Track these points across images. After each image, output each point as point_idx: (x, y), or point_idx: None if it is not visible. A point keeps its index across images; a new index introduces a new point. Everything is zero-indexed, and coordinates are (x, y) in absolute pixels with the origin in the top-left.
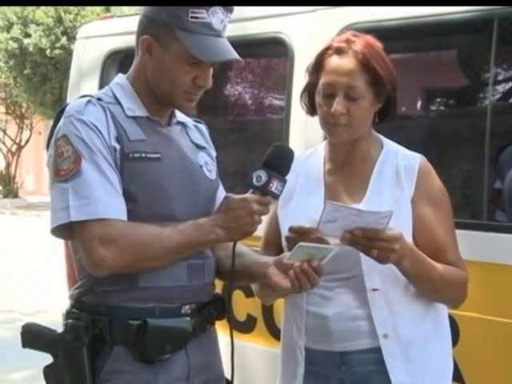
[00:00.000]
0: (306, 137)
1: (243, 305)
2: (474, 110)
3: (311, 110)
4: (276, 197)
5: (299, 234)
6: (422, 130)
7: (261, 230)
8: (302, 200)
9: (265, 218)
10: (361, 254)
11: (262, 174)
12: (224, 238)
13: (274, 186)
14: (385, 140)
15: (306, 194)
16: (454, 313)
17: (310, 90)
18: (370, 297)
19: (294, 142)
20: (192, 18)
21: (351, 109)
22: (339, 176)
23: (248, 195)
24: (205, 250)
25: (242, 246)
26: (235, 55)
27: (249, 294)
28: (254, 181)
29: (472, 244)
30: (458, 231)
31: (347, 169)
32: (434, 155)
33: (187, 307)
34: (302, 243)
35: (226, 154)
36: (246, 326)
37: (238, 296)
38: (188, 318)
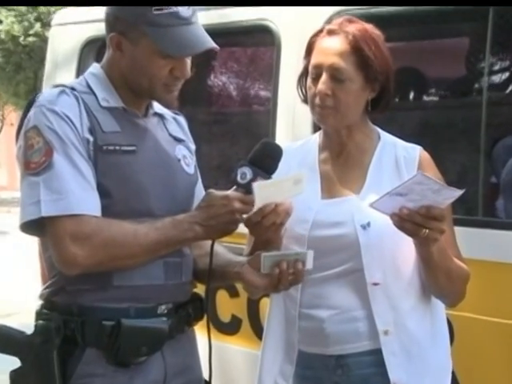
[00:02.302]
0: (294, 129)
1: (227, 305)
2: (469, 101)
3: (306, 97)
4: None
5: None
6: (413, 121)
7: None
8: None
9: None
10: (361, 245)
11: (247, 172)
12: (202, 235)
13: None
14: (381, 132)
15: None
16: (448, 313)
17: (306, 76)
18: (371, 291)
19: (281, 134)
20: (156, 10)
21: (337, 91)
22: (335, 166)
23: (230, 192)
24: (182, 248)
25: (216, 246)
26: (209, 44)
27: (233, 294)
28: (239, 178)
29: (467, 241)
30: None
31: (343, 159)
32: (427, 148)
33: (164, 307)
34: (265, 254)
35: (209, 147)
36: (230, 328)
37: (221, 296)
38: (164, 319)
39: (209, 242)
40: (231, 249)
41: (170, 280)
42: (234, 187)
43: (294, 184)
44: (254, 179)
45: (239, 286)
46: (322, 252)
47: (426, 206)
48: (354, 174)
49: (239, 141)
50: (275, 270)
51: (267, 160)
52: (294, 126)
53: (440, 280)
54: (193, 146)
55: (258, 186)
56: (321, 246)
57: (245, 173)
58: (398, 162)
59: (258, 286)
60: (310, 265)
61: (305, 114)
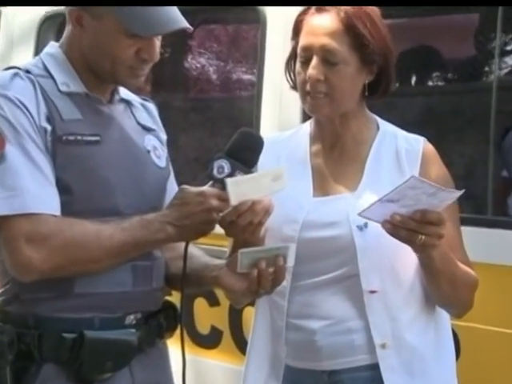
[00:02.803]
0: (281, 117)
1: (206, 315)
2: (478, 86)
3: (295, 83)
4: None
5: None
6: (416, 108)
7: None
8: (290, 186)
9: None
10: (357, 248)
11: (225, 165)
12: (175, 237)
13: None
14: (380, 121)
15: (291, 177)
16: (454, 324)
17: (294, 60)
18: (367, 300)
19: (267, 124)
20: None
21: (330, 76)
22: (328, 159)
23: (206, 188)
24: (153, 250)
25: (191, 247)
26: (181, 23)
27: (213, 302)
28: (215, 172)
29: (475, 243)
30: None
31: (338, 152)
32: (432, 139)
33: (132, 317)
34: (242, 250)
35: (186, 138)
36: (209, 341)
37: (200, 305)
38: (133, 330)
39: (182, 244)
40: (209, 251)
41: (139, 286)
42: (211, 183)
43: (274, 180)
44: (232, 173)
45: (220, 294)
46: (313, 256)
47: (421, 210)
48: (349, 169)
49: (220, 130)
50: (253, 270)
51: (246, 152)
52: (281, 113)
53: (443, 288)
54: (164, 136)
55: (232, 182)
56: (312, 248)
57: (222, 166)
58: (398, 154)
59: (236, 290)
60: (291, 261)
61: (293, 101)
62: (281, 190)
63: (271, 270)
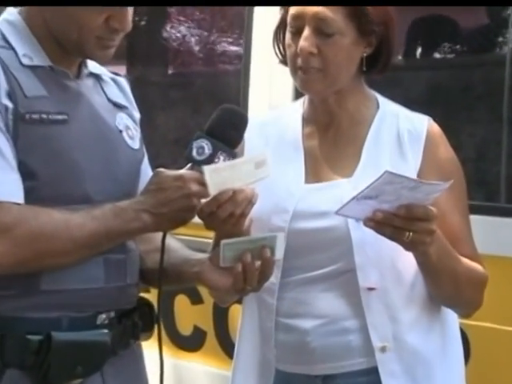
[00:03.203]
0: (271, 94)
1: (188, 314)
2: (491, 58)
3: (285, 56)
4: None
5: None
6: (421, 84)
7: None
8: (275, 169)
9: None
10: (353, 241)
11: (205, 145)
12: (152, 226)
13: (221, 161)
14: (380, 98)
15: (280, 162)
16: (462, 323)
17: (283, 30)
18: (365, 298)
19: (255, 101)
20: None
21: (324, 48)
22: (322, 142)
23: (185, 172)
24: (127, 242)
25: (168, 239)
26: None
27: (196, 300)
28: (195, 153)
29: (486, 233)
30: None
31: (332, 133)
32: (439, 117)
33: (104, 316)
34: (225, 241)
35: (165, 116)
36: (192, 342)
37: (181, 303)
38: (105, 331)
39: (159, 235)
40: (189, 243)
41: (112, 282)
42: (189, 165)
43: (257, 167)
44: (213, 154)
45: (203, 291)
46: (304, 249)
47: (406, 205)
48: (345, 152)
49: (202, 108)
50: (238, 264)
51: (229, 130)
52: (271, 90)
53: (445, 287)
54: (137, 115)
55: (211, 170)
56: (303, 241)
57: (202, 147)
58: (400, 136)
59: (220, 288)
60: (280, 253)
61: (285, 76)
62: (265, 177)
63: (258, 263)
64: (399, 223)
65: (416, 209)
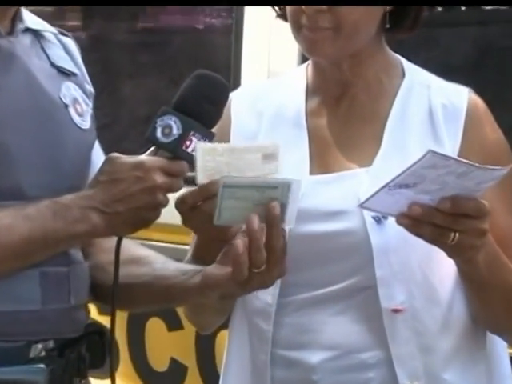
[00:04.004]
0: (271, 58)
1: (164, 344)
2: None
3: (283, 10)
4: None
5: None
6: (461, 45)
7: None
8: None
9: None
10: (374, 249)
11: (173, 123)
12: (103, 229)
13: (193, 144)
14: (407, 64)
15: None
16: None
17: None
18: (388, 323)
19: (250, 68)
20: None
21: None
22: (332, 120)
23: (147, 158)
24: (70, 251)
25: (141, 249)
26: None
27: (173, 325)
28: (159, 133)
29: None
30: None
31: (345, 108)
32: (483, 90)
33: (40, 347)
34: (226, 180)
35: (133, 86)
36: (168, 380)
37: (154, 329)
38: (41, 366)
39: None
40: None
41: (51, 303)
42: (153, 149)
43: (264, 159)
44: (184, 135)
45: (183, 315)
46: (309, 259)
47: (451, 197)
48: (362, 133)
49: (182, 77)
50: (238, 230)
51: (204, 104)
52: (271, 53)
53: (494, 306)
54: (89, 87)
55: (204, 148)
56: (308, 249)
57: (169, 125)
58: (433, 113)
59: (220, 282)
60: (291, 220)
61: (287, 38)
62: (270, 174)
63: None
64: (443, 221)
65: (465, 202)
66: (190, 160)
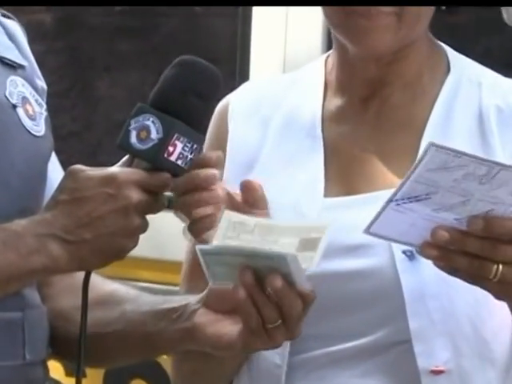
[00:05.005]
0: (287, 48)
1: None
2: None
3: None
4: (181, 175)
5: None
6: None
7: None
8: (277, 172)
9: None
10: (405, 292)
11: (152, 125)
12: (67, 262)
13: (178, 150)
14: (453, 55)
15: (286, 159)
16: None
17: None
18: None
19: (261, 60)
20: None
21: None
22: (357, 126)
23: (119, 169)
24: (25, 291)
25: (106, 283)
26: None
27: None
28: (134, 139)
29: None
30: None
31: (374, 112)
32: None
33: None
34: (201, 247)
35: (110, 83)
36: None
37: None
38: None
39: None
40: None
41: (1, 358)
42: (127, 158)
43: (301, 245)
44: (167, 140)
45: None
46: (326, 306)
47: (484, 215)
48: (394, 144)
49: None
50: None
51: (189, 98)
52: (286, 40)
53: None
54: (41, 83)
55: (230, 220)
56: (325, 293)
57: (146, 127)
58: (483, 117)
59: (226, 341)
60: (299, 278)
61: (308, 17)
62: (303, 269)
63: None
64: (478, 248)
65: (502, 222)
66: (174, 171)
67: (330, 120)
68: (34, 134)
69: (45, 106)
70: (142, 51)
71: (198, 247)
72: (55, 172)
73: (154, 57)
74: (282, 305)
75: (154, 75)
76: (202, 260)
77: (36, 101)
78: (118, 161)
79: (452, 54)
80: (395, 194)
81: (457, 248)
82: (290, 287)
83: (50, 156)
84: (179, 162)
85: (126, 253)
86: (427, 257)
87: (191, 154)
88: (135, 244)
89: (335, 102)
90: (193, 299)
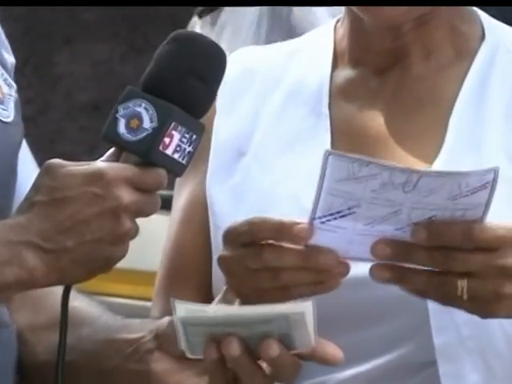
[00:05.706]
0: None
1: None
2: None
3: None
4: (179, 171)
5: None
6: None
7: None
8: (274, 158)
9: (169, 220)
10: (430, 308)
11: (144, 112)
12: (44, 274)
13: (175, 142)
14: (489, 20)
15: (287, 145)
16: None
17: None
18: None
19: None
20: None
21: None
22: (371, 101)
23: (106, 165)
24: None
25: (76, 301)
26: None
27: None
28: (123, 128)
29: None
30: None
31: (393, 86)
32: None
33: None
34: (180, 316)
35: (73, 57)
36: None
37: None
38: None
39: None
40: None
41: None
42: (113, 150)
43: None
44: (162, 129)
45: None
46: (339, 319)
47: (427, 223)
48: (416, 123)
49: (152, 43)
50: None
51: (187, 80)
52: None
53: None
54: (9, 57)
55: (184, 319)
56: (334, 303)
57: (138, 114)
58: None
59: None
60: (306, 338)
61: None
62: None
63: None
64: (429, 260)
65: (447, 227)
66: (171, 167)
67: (338, 95)
68: (2, 119)
69: (15, 87)
70: (110, 21)
71: (179, 316)
72: (27, 164)
73: (126, 27)
74: (274, 370)
75: (123, 47)
76: (180, 330)
77: (5, 80)
78: (81, 151)
79: (487, 20)
80: (314, 211)
81: (405, 263)
82: (287, 352)
83: (20, 145)
84: (176, 156)
85: (113, 263)
86: (379, 280)
87: (190, 146)
88: (124, 253)
89: (346, 74)
90: (149, 333)
